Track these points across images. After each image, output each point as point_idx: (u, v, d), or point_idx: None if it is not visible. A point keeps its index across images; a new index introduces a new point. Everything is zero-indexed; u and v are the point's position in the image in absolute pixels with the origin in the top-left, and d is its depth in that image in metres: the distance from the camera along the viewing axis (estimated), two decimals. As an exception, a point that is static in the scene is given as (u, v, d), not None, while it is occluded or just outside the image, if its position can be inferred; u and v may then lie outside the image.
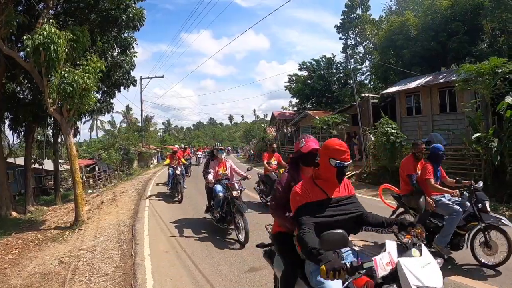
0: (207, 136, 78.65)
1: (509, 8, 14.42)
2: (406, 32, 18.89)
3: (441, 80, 13.34)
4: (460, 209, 3.87)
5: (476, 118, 8.74)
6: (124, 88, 13.74)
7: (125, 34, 12.06)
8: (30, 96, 11.94)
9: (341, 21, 28.78)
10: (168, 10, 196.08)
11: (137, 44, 13.42)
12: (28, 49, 7.02)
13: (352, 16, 28.26)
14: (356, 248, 2.20)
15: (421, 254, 1.75)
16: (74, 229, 7.54)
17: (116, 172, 22.87)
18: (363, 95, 19.85)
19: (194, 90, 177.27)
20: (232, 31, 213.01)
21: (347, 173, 3.07)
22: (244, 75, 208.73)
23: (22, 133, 13.06)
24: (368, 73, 29.34)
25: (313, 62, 28.36)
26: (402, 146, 10.45)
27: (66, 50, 7.56)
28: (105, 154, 24.94)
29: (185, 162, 13.56)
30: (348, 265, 1.64)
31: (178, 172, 10.00)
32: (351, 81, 22.62)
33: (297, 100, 30.53)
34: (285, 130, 29.74)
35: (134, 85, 14.21)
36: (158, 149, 37.46)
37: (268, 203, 7.69)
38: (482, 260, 3.87)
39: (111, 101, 14.42)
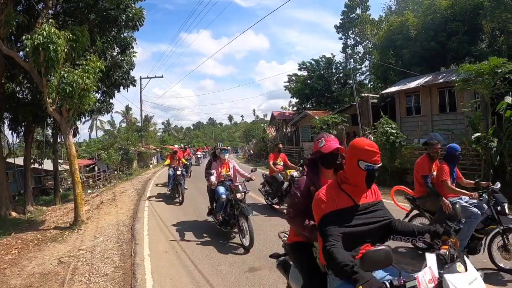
0: (206, 136, 78.73)
1: (509, 8, 14.45)
2: (406, 32, 18.92)
3: (441, 80, 13.37)
4: (479, 212, 3.74)
5: (475, 118, 8.75)
6: (124, 88, 13.71)
7: (125, 34, 12.04)
8: (29, 96, 11.93)
9: (341, 21, 28.82)
10: (168, 10, 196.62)
11: (136, 44, 13.44)
12: (27, 49, 7.01)
13: (351, 16, 28.29)
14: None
15: (466, 269, 1.57)
16: (74, 229, 7.53)
17: (115, 172, 22.85)
18: (362, 95, 19.88)
19: (194, 90, 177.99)
20: (231, 31, 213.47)
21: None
22: (244, 75, 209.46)
23: (22, 133, 13.03)
24: (367, 73, 29.41)
25: (313, 62, 28.40)
26: (401, 146, 10.46)
27: (66, 50, 7.55)
28: (104, 154, 24.92)
29: (186, 162, 13.52)
30: (387, 285, 1.48)
31: (178, 172, 9.77)
32: (351, 81, 22.63)
33: (297, 100, 30.58)
34: (284, 130, 29.73)
35: (134, 85, 14.18)
36: (158, 149, 37.41)
37: (274, 205, 7.63)
38: (501, 265, 3.73)
39: (111, 101, 14.37)
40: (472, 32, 16.49)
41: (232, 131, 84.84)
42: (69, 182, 19.22)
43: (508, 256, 3.66)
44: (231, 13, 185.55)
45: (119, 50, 12.43)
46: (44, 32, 6.93)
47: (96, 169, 24.30)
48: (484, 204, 3.81)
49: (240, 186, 5.52)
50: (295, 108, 32.52)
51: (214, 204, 6.11)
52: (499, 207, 3.72)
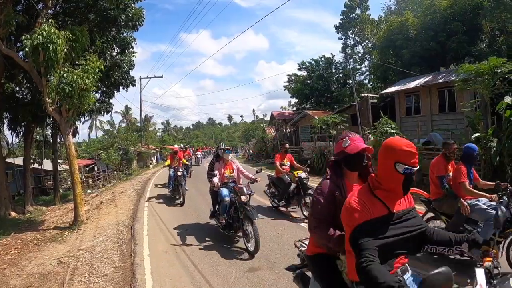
0: (206, 136, 78.73)
1: (508, 8, 14.46)
2: (406, 32, 18.93)
3: (441, 80, 13.37)
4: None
5: (475, 118, 8.76)
6: (123, 88, 13.70)
7: (124, 34, 12.03)
8: (29, 96, 11.93)
9: (341, 21, 28.86)
10: (168, 10, 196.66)
11: (136, 44, 13.41)
12: (27, 49, 7.00)
13: (351, 16, 28.32)
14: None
15: None
16: (73, 229, 7.53)
17: (115, 172, 22.84)
18: (362, 95, 19.88)
19: (193, 90, 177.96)
20: (231, 31, 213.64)
21: None
22: (243, 75, 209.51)
23: (21, 133, 13.03)
24: (367, 73, 29.42)
25: (313, 62, 28.39)
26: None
27: (65, 50, 7.54)
28: (104, 154, 24.91)
29: (187, 162, 13.46)
30: None
31: (179, 173, 9.54)
32: (351, 81, 22.64)
33: (296, 100, 30.56)
34: (284, 130, 29.72)
35: (133, 85, 14.16)
36: (157, 149, 37.45)
37: (280, 208, 7.43)
38: None
39: (110, 101, 14.36)
40: (471, 32, 16.51)
41: (232, 131, 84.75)
42: (68, 182, 19.19)
43: None
44: (231, 13, 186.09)
45: (118, 50, 12.42)
46: (44, 32, 6.92)
47: (96, 169, 24.27)
48: (502, 207, 3.62)
49: (244, 188, 5.27)
50: (294, 108, 32.51)
51: (217, 207, 5.89)
52: None
